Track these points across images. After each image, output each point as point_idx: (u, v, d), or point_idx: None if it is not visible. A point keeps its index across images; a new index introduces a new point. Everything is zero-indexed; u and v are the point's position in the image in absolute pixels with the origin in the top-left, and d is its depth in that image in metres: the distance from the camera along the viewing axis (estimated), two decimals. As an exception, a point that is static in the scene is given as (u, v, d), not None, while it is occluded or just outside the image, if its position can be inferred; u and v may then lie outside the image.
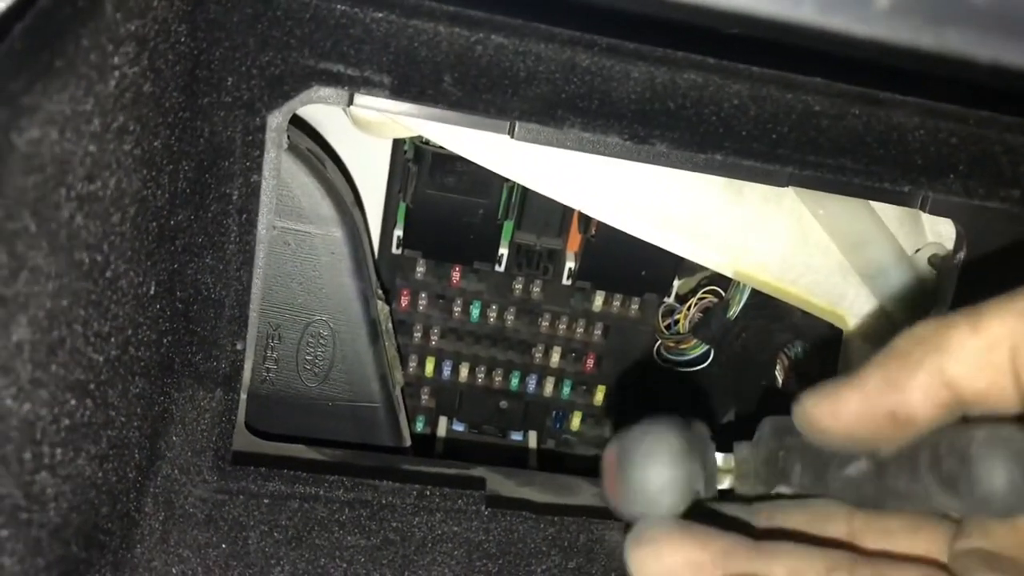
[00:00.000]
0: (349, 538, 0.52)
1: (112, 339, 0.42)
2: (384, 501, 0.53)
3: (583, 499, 0.62)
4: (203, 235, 0.50)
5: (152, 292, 0.46)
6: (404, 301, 0.77)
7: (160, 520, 0.51)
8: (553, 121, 0.49)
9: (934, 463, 0.32)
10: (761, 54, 0.48)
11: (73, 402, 0.38)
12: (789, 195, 0.63)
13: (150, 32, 0.39)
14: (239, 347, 0.53)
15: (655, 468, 0.34)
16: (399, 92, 0.48)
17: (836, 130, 0.50)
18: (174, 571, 0.50)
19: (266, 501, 0.52)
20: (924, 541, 0.36)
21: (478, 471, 0.61)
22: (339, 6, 0.46)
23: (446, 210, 0.70)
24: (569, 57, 0.48)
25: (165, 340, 0.49)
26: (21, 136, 0.29)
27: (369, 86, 0.47)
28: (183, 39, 0.43)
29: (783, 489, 0.37)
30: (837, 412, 0.33)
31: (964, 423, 0.33)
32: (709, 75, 0.48)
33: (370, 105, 0.50)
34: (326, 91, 0.49)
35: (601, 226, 0.69)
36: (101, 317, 0.40)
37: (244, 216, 0.50)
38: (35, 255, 0.32)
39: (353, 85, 0.47)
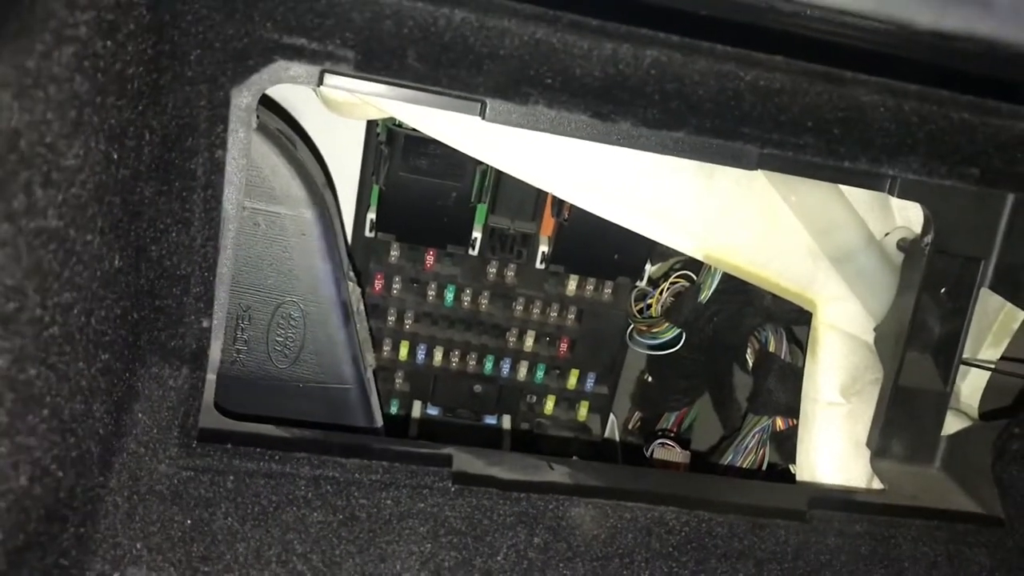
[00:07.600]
0: (315, 514, 0.52)
1: (74, 310, 0.42)
2: (350, 478, 0.54)
3: (550, 477, 0.62)
4: (169, 211, 0.50)
5: (117, 265, 0.46)
6: (378, 285, 0.77)
7: (125, 496, 0.51)
8: (518, 97, 0.49)
9: None
10: (723, 33, 0.49)
11: (32, 372, 0.38)
12: (760, 180, 0.64)
13: (110, 1, 0.39)
14: (205, 325, 0.53)
15: None
16: (364, 68, 0.48)
17: (798, 108, 0.50)
18: (139, 546, 0.50)
19: (231, 478, 0.52)
20: None
21: (446, 450, 0.61)
22: (304, -20, 0.46)
23: (419, 193, 0.70)
24: (532, 33, 0.48)
25: (131, 316, 0.49)
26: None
27: (334, 60, 0.47)
28: (145, 10, 0.43)
29: None
30: None
31: None
32: (672, 52, 0.49)
33: (340, 85, 0.51)
34: (295, 68, 0.49)
35: (574, 210, 0.70)
36: (61, 288, 0.40)
37: (209, 192, 0.50)
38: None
39: (317, 60, 0.47)
